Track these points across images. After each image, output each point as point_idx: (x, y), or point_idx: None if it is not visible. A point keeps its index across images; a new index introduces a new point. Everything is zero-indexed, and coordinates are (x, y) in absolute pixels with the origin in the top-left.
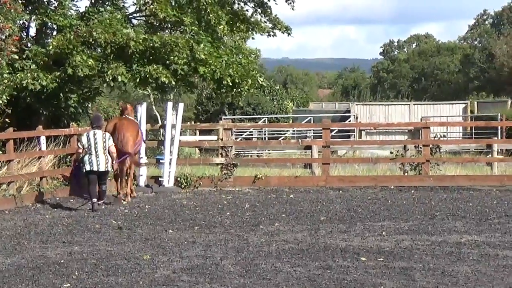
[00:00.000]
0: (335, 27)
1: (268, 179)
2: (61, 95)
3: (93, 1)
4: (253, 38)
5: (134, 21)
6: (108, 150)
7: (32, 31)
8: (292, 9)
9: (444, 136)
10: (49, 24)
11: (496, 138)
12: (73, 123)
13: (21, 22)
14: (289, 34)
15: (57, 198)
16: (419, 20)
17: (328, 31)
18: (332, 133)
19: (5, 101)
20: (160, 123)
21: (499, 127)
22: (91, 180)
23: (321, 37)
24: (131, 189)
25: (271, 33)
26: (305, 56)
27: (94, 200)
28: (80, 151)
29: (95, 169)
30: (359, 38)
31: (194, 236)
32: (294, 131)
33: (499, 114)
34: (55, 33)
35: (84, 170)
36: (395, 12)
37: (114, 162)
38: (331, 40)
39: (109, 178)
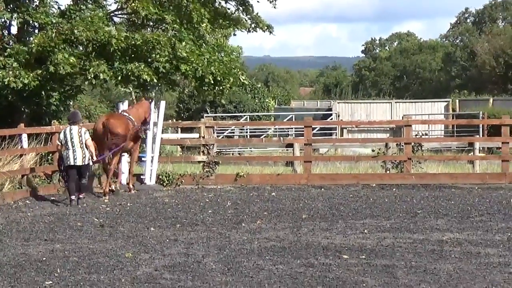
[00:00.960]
0: (317, 25)
1: (250, 177)
2: (43, 93)
3: None
4: (234, 34)
5: (116, 19)
6: (85, 145)
7: (14, 29)
8: (274, 7)
9: (426, 134)
10: (31, 22)
11: (477, 136)
12: (55, 121)
13: (2, 20)
14: (270, 32)
15: (39, 196)
16: (401, 18)
17: (311, 29)
18: (314, 131)
19: None
20: None
21: (481, 125)
22: (70, 176)
23: (303, 35)
24: (132, 184)
25: (252, 30)
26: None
27: (73, 197)
28: (59, 147)
29: (72, 163)
30: (341, 36)
31: (176, 234)
32: (276, 129)
33: (480, 112)
34: (36, 31)
35: (63, 166)
36: (378, 10)
37: (93, 156)
38: (313, 38)
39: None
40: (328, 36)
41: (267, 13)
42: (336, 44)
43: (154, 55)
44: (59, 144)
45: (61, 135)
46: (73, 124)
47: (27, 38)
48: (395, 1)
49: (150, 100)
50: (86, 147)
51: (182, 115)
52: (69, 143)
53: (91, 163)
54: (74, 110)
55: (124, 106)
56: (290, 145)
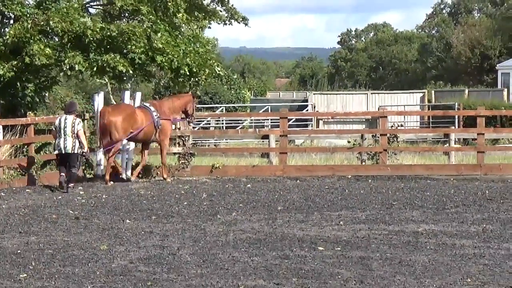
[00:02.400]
0: (295, 16)
1: (226, 169)
2: (18, 84)
3: None
4: (209, 27)
5: (92, 10)
6: (76, 135)
7: None
8: None
9: (402, 126)
10: (6, 13)
11: (453, 127)
12: (30, 112)
13: None
14: (246, 24)
15: (14, 188)
16: (378, 9)
17: (288, 20)
18: (290, 122)
19: None
20: None
21: (457, 116)
22: (60, 161)
23: (280, 27)
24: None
25: (228, 22)
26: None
27: (62, 173)
28: (54, 134)
29: (62, 151)
30: (318, 27)
31: (151, 226)
32: (251, 120)
33: (456, 103)
34: (12, 22)
35: (55, 153)
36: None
37: (84, 147)
38: (290, 29)
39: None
40: (305, 27)
41: (244, 5)
42: (313, 35)
43: (129, 46)
44: (54, 131)
45: (56, 123)
46: (68, 114)
47: (3, 29)
48: None
49: (194, 95)
50: (77, 137)
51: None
52: (62, 132)
53: (80, 152)
54: (72, 100)
55: (100, 97)
56: (266, 137)
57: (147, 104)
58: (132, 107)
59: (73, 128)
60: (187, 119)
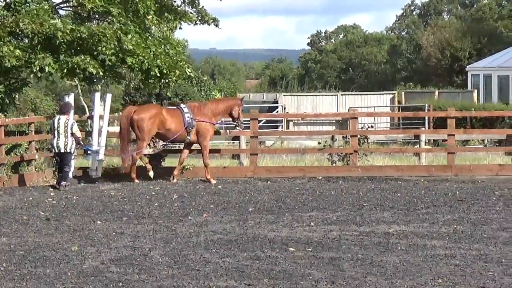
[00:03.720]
0: (265, 17)
1: (196, 170)
2: None
3: None
4: (180, 28)
5: (62, 12)
6: (71, 134)
7: None
8: (220, 0)
9: (372, 127)
10: None
11: (423, 128)
12: (0, 114)
13: None
14: (216, 25)
15: None
16: (349, 10)
17: (258, 22)
18: (260, 124)
19: None
20: (87, 114)
21: (427, 118)
22: (58, 161)
23: (251, 28)
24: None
25: (199, 23)
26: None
27: (60, 173)
28: (51, 136)
29: (56, 150)
30: (288, 29)
31: (123, 227)
32: (222, 121)
33: (426, 105)
34: None
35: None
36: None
37: (78, 145)
38: (260, 31)
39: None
40: (275, 28)
41: (214, 6)
42: (283, 37)
43: (100, 47)
44: (50, 132)
45: (51, 123)
46: (61, 114)
47: None
48: None
49: (241, 99)
50: (72, 136)
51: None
52: (56, 132)
53: (73, 152)
54: (66, 101)
55: (70, 99)
56: (236, 138)
57: (183, 105)
58: (158, 107)
59: (66, 128)
60: (235, 123)
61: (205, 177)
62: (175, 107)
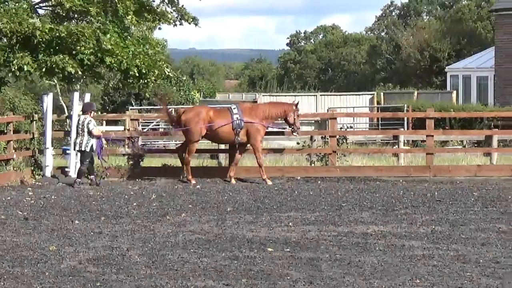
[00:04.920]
0: (246, 18)
1: (175, 170)
2: None
3: None
4: (160, 29)
5: (40, 11)
6: (89, 133)
7: None
8: None
9: (351, 127)
10: None
11: (402, 129)
12: None
13: None
14: (196, 25)
15: None
16: (328, 11)
17: (238, 22)
18: None
19: None
20: (66, 113)
21: (406, 118)
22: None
23: (231, 28)
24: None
25: (178, 23)
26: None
27: (91, 177)
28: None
29: (77, 148)
30: (268, 29)
31: (101, 227)
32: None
33: (405, 105)
34: None
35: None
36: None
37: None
38: (240, 31)
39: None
40: (255, 28)
41: (195, 6)
42: (263, 37)
43: (78, 47)
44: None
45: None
46: (84, 114)
47: None
48: None
49: (295, 104)
50: (89, 134)
51: (107, 107)
52: (80, 130)
53: (89, 150)
54: (88, 102)
55: (49, 98)
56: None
57: (233, 106)
58: (206, 108)
59: (82, 127)
60: (290, 128)
61: (261, 177)
62: (224, 108)
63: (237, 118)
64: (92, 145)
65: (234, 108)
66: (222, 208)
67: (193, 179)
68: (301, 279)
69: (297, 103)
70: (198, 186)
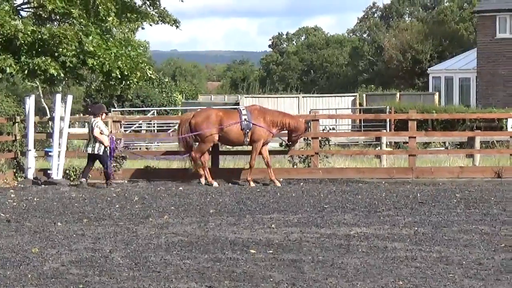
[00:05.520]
0: (228, 19)
1: (158, 172)
2: None
3: None
4: (143, 28)
5: (23, 13)
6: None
7: None
8: (181, 1)
9: (333, 129)
10: None
11: (385, 130)
12: None
13: None
14: (177, 26)
15: None
16: (310, 13)
17: (220, 24)
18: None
19: None
20: (48, 115)
21: (388, 120)
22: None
23: (213, 30)
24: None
25: (160, 23)
26: (195, 48)
27: (82, 180)
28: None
29: (89, 151)
30: (250, 31)
31: (83, 229)
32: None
33: (387, 107)
34: None
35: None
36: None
37: (106, 147)
38: (223, 33)
39: None
40: (237, 30)
41: (177, 8)
42: (245, 39)
43: (61, 49)
44: None
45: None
46: (94, 117)
47: None
48: None
49: (306, 126)
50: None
51: (90, 109)
52: (90, 135)
53: (101, 153)
54: (97, 104)
55: (31, 100)
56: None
57: (242, 108)
58: (215, 110)
59: (92, 130)
60: (286, 142)
61: (247, 177)
62: (234, 109)
63: (246, 119)
64: (104, 148)
65: (243, 109)
66: (205, 210)
67: (214, 180)
68: (283, 280)
69: (307, 127)
70: (180, 188)
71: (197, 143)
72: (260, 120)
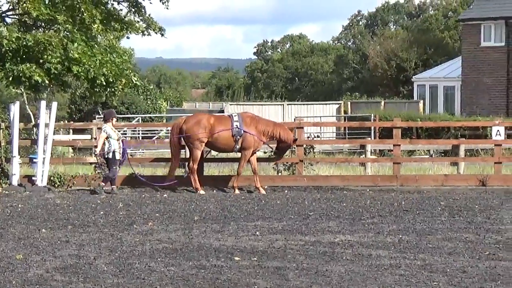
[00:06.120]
0: (213, 27)
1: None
2: None
3: None
4: (128, 38)
5: (8, 20)
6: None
7: None
8: (167, 8)
9: (318, 136)
10: None
11: (369, 138)
12: None
13: None
14: (162, 34)
15: None
16: (295, 21)
17: (205, 31)
18: None
19: None
20: (33, 122)
21: (373, 128)
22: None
23: (198, 37)
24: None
25: (145, 33)
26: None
27: (113, 187)
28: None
29: (100, 155)
30: (235, 38)
31: (68, 236)
32: (168, 130)
33: (372, 115)
34: None
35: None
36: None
37: (115, 152)
38: (208, 40)
39: None
40: (222, 37)
41: (163, 15)
42: (230, 46)
43: (45, 56)
44: None
45: None
46: (105, 122)
47: None
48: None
49: (295, 139)
50: (108, 142)
51: (74, 116)
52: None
53: (110, 156)
54: (108, 110)
55: (15, 107)
56: (183, 147)
57: (234, 113)
58: (206, 115)
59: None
60: (273, 151)
61: (233, 184)
62: (225, 115)
63: (237, 126)
64: (114, 152)
65: (235, 116)
66: (189, 217)
67: (202, 188)
68: None
69: (296, 140)
70: (165, 195)
71: (187, 150)
72: (252, 128)
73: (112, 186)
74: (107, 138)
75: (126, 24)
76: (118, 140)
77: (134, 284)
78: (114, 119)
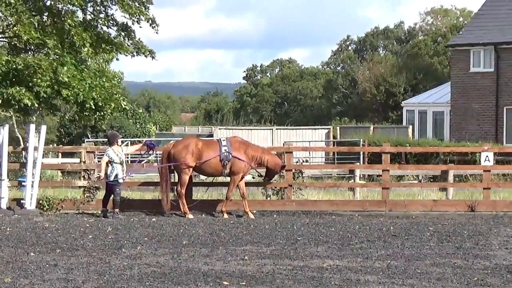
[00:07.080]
0: (202, 51)
1: (131, 202)
2: None
3: None
4: (117, 59)
5: None
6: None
7: None
8: (156, 33)
9: (307, 161)
10: None
11: (358, 163)
12: None
13: None
14: (153, 57)
15: None
16: (285, 45)
17: (195, 55)
18: None
19: None
20: (22, 145)
21: (362, 153)
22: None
23: (188, 61)
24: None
25: (135, 54)
26: (170, 79)
27: (116, 210)
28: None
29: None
30: (225, 62)
31: (56, 259)
32: (156, 154)
33: (361, 140)
34: None
35: None
36: (263, 37)
37: (117, 175)
38: (197, 64)
39: None
40: (212, 62)
41: (152, 39)
42: (220, 70)
43: (35, 79)
44: None
45: None
46: (110, 145)
47: None
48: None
49: (283, 165)
50: (111, 165)
51: (63, 139)
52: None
53: (111, 179)
54: (112, 132)
55: (4, 130)
56: (172, 171)
57: (223, 138)
58: (194, 139)
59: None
60: (262, 177)
61: (221, 208)
62: (214, 139)
63: (225, 150)
64: (116, 175)
65: (224, 140)
66: (178, 241)
67: (190, 213)
68: None
69: (284, 166)
70: (153, 219)
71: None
72: (241, 152)
73: (115, 209)
74: (109, 162)
75: (115, 45)
76: (121, 164)
77: None
78: (119, 141)
